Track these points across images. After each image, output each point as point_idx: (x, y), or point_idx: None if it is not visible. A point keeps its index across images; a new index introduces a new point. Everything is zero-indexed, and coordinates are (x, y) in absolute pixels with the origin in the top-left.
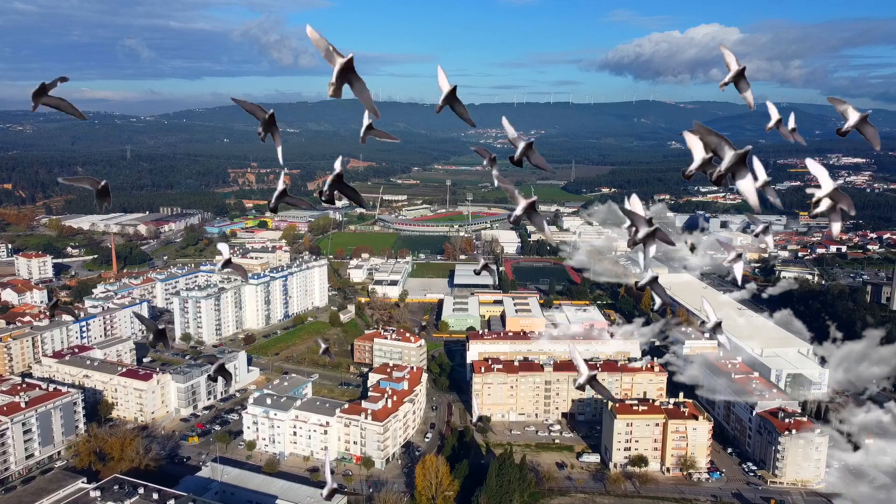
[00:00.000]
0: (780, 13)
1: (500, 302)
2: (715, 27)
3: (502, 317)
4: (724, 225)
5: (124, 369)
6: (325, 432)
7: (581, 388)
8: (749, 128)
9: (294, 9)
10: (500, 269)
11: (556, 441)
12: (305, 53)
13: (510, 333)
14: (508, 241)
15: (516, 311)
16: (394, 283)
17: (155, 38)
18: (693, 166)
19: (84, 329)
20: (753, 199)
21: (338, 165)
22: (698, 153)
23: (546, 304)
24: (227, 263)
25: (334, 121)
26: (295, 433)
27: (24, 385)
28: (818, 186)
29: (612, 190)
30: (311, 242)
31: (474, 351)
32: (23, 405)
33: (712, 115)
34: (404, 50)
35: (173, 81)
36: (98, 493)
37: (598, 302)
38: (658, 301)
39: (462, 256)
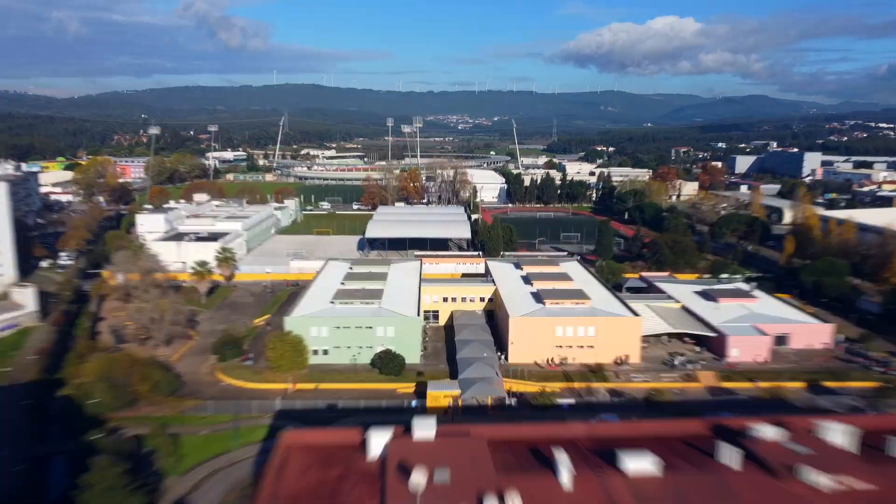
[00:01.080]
0: (734, 7)
1: (481, 276)
2: (672, 18)
3: (493, 319)
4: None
5: None
6: None
7: None
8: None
9: (242, 2)
10: (477, 217)
11: None
12: (255, 37)
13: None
14: (486, 183)
15: (538, 296)
16: (212, 237)
17: (99, 32)
18: None
19: None
20: None
21: None
22: None
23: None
24: None
25: (279, 103)
26: None
27: None
28: None
29: (608, 148)
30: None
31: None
32: None
33: (676, 106)
34: (357, 46)
35: (124, 79)
36: None
37: (742, 276)
38: None
39: (399, 204)
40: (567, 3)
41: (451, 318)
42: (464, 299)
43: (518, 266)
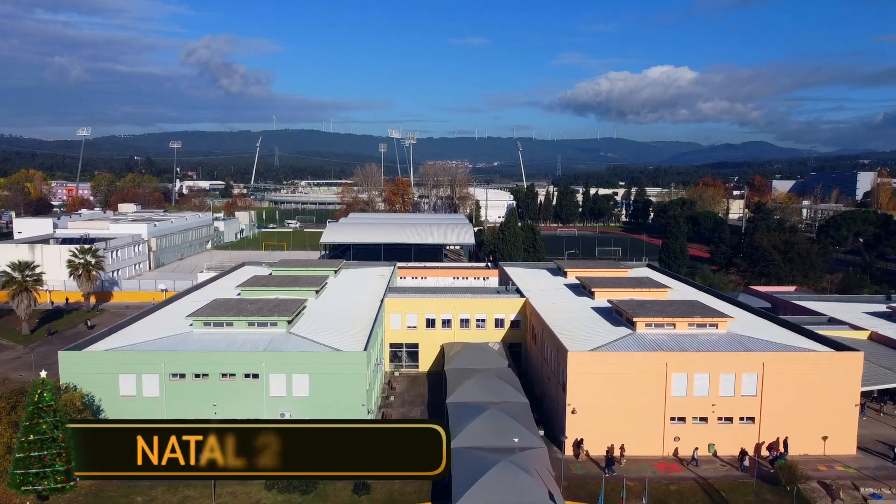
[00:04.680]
0: (727, 57)
1: (501, 292)
2: (668, 68)
3: (523, 360)
4: None
5: None
6: None
7: None
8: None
9: (245, 54)
10: (481, 229)
11: None
12: (256, 84)
13: None
14: (491, 199)
15: (617, 313)
16: (87, 241)
17: (103, 81)
18: None
19: None
20: None
21: None
22: None
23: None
24: None
25: (277, 147)
26: None
27: None
28: None
29: (620, 182)
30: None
31: None
32: None
33: (676, 152)
34: (357, 96)
35: (126, 128)
36: None
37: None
38: None
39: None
40: (562, 54)
41: (440, 355)
42: (465, 322)
43: (559, 271)
